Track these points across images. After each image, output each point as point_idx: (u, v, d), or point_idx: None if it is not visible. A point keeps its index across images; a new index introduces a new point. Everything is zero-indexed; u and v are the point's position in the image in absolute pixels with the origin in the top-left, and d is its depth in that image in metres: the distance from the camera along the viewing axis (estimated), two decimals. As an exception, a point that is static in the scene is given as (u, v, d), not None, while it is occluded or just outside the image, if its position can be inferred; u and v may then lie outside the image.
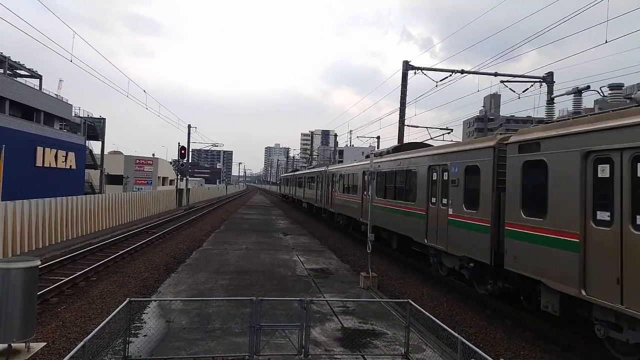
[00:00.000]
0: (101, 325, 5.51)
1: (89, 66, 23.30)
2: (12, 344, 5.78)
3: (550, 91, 30.41)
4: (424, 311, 6.81)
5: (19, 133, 30.66)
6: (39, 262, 5.52)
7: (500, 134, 10.80)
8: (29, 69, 39.06)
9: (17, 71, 38.67)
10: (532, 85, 29.88)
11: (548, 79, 30.10)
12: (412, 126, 31.96)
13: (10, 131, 29.25)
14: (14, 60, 36.20)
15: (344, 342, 7.60)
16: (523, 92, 29.87)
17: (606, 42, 15.33)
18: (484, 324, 9.45)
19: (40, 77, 40.10)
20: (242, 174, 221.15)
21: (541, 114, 34.08)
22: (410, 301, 6.98)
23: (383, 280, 13.21)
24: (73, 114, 43.68)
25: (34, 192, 24.13)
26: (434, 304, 10.99)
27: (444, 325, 6.14)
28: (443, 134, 31.73)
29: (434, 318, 6.51)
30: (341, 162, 57.49)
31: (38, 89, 38.14)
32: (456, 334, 5.57)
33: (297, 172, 49.97)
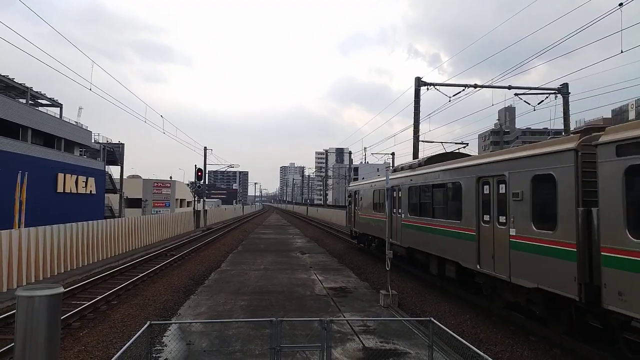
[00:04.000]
0: (123, 349, 5.51)
1: (107, 94, 23.91)
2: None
3: (566, 102, 30.13)
4: (447, 330, 6.66)
5: (41, 160, 31.42)
6: (62, 289, 5.57)
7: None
8: (50, 98, 40.20)
9: (39, 100, 39.85)
10: (547, 97, 29.64)
11: (563, 90, 29.85)
12: (426, 141, 31.90)
13: (33, 159, 30.01)
14: (35, 90, 37.36)
15: (366, 362, 7.46)
16: (538, 104, 29.64)
17: (622, 52, 15.20)
18: (510, 341, 9.21)
19: (60, 106, 41.22)
20: (258, 193, 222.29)
21: (558, 125, 33.68)
22: (432, 319, 6.84)
23: (403, 298, 13.03)
24: (92, 140, 44.67)
25: (56, 218, 24.57)
26: (457, 322, 10.77)
27: (469, 344, 5.99)
28: (459, 148, 31.58)
29: (458, 337, 6.36)
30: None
31: (58, 117, 39.17)
32: (482, 353, 5.43)
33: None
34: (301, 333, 8.60)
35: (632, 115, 55.14)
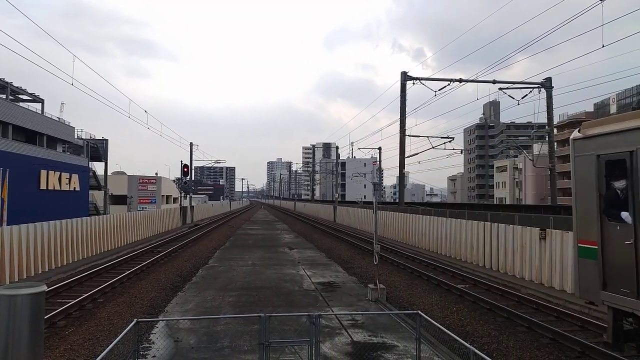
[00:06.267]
0: (109, 347, 5.45)
1: (89, 88, 23.52)
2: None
3: (549, 96, 30.55)
4: (434, 322, 6.72)
5: (23, 157, 30.82)
6: (46, 288, 5.48)
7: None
8: (30, 94, 39.44)
9: (19, 96, 39.06)
10: (530, 92, 30.03)
11: (547, 85, 30.24)
12: (413, 136, 32.12)
13: (14, 156, 29.43)
14: (16, 85, 36.60)
15: (354, 356, 7.51)
16: (522, 98, 30.00)
17: (603, 46, 15.42)
18: (496, 333, 9.34)
19: (42, 101, 40.47)
20: (245, 189, 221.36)
21: (542, 119, 34.25)
22: (420, 312, 6.89)
23: (391, 292, 13.11)
24: (75, 136, 43.95)
25: (39, 215, 24.16)
26: (444, 314, 10.90)
27: (455, 337, 6.06)
28: (444, 142, 31.89)
29: (445, 329, 6.43)
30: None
31: (40, 112, 38.44)
32: (468, 345, 5.49)
33: None
34: (290, 328, 8.60)
35: (613, 109, 56.08)
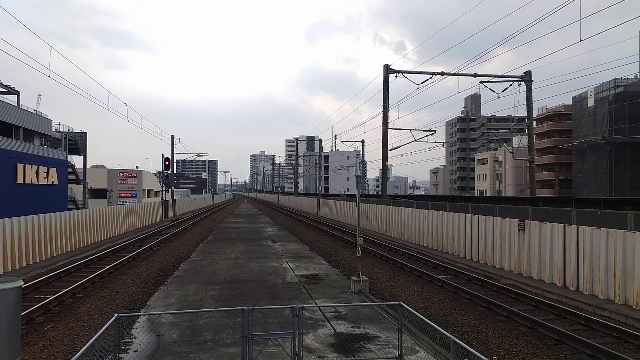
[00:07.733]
0: (90, 343, 5.39)
1: (67, 80, 22.99)
2: (-2, 368, 5.63)
3: (529, 90, 31.02)
4: (416, 313, 6.82)
5: (-2, 151, 30.05)
6: (22, 283, 5.39)
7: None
8: (6, 86, 38.38)
9: (-6, 88, 37.96)
10: (511, 85, 30.45)
11: (527, 78, 30.67)
12: (396, 129, 32.28)
13: (-11, 149, 28.66)
14: (-10, 77, 35.56)
15: (337, 347, 7.57)
16: (503, 91, 30.40)
17: (581, 40, 15.71)
18: (476, 322, 9.51)
19: (17, 94, 39.42)
20: (228, 183, 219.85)
21: (522, 112, 34.70)
22: (402, 303, 6.98)
23: (374, 283, 13.23)
24: (53, 129, 42.98)
25: (16, 210, 23.61)
26: (426, 305, 11.05)
27: (436, 326, 6.16)
28: (427, 136, 32.12)
29: (426, 319, 6.52)
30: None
31: (16, 105, 37.47)
32: (449, 334, 5.58)
33: None
34: (273, 321, 8.63)
35: (591, 102, 57.14)
